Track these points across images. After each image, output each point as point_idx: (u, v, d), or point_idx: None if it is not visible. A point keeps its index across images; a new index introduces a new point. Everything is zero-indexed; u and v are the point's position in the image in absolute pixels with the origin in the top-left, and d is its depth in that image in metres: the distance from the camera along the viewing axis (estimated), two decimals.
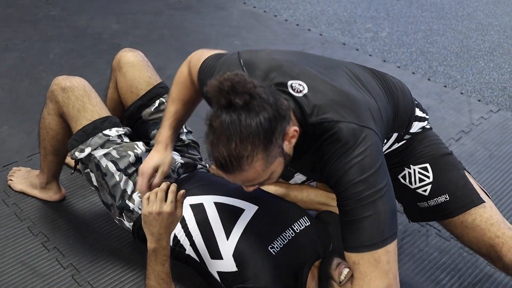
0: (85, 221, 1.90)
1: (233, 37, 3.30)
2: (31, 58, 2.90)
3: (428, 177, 1.58)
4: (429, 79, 2.99)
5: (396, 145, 1.60)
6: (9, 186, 2.00)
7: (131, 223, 1.64)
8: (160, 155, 1.56)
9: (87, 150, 1.61)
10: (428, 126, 1.64)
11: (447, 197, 1.55)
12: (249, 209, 1.55)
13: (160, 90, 1.81)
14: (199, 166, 1.79)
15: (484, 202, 1.52)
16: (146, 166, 1.55)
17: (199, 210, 1.57)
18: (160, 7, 3.64)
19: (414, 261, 1.83)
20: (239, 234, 1.50)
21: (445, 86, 2.92)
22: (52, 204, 1.95)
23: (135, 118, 1.81)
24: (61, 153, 1.82)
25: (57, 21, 3.33)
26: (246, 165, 1.15)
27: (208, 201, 1.58)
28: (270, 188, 1.73)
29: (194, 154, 1.83)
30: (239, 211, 1.55)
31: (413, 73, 3.04)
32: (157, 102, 1.80)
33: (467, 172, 1.60)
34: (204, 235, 1.53)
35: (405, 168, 1.61)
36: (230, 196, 1.59)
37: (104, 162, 1.61)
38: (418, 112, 1.61)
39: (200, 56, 1.52)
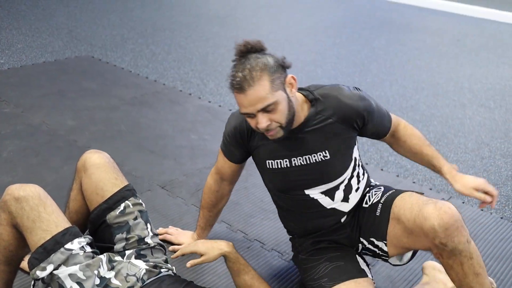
0: None
1: (189, 132, 3.35)
2: None
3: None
4: (382, 169, 3.10)
5: None
6: None
7: None
8: (191, 238, 2.24)
9: (49, 268, 1.54)
10: None
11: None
12: None
13: (126, 193, 1.78)
14: (164, 269, 1.75)
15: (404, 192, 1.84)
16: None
17: None
18: (115, 103, 3.68)
19: None
20: None
21: (398, 176, 3.03)
22: None
23: (100, 222, 1.76)
24: (14, 263, 1.74)
25: (11, 118, 3.29)
26: (256, 81, 1.62)
27: None
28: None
29: (158, 257, 1.79)
30: None
31: (367, 163, 3.15)
32: (122, 205, 1.77)
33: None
34: None
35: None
36: None
37: (69, 284, 1.54)
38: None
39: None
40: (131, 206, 1.77)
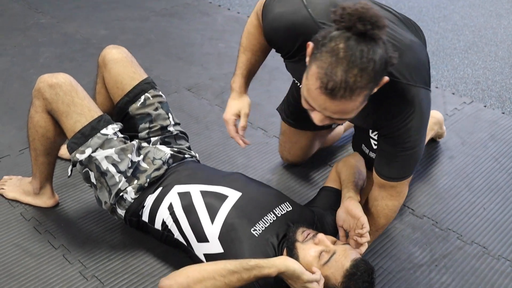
0: (80, 215, 1.99)
1: (217, 40, 3.42)
2: (21, 62, 3.00)
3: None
4: None
5: None
6: (1, 195, 2.00)
7: (124, 211, 1.74)
8: (237, 102, 1.82)
9: (88, 151, 1.66)
10: None
11: None
12: (233, 196, 1.65)
13: (145, 86, 1.86)
14: (188, 156, 1.87)
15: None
16: (228, 114, 1.82)
17: (185, 197, 1.67)
18: (146, 14, 3.76)
19: (390, 237, 1.93)
20: (223, 218, 1.60)
21: None
22: None
23: (123, 114, 1.87)
24: (52, 152, 1.84)
25: (47, 28, 3.43)
26: (355, 96, 1.20)
27: (195, 190, 1.68)
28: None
29: (182, 144, 1.91)
30: (223, 197, 1.65)
31: None
32: (143, 97, 1.85)
33: None
34: (190, 220, 1.63)
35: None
36: (215, 185, 1.69)
37: (105, 165, 1.68)
38: None
39: (262, 1, 1.64)
40: (151, 98, 1.86)
